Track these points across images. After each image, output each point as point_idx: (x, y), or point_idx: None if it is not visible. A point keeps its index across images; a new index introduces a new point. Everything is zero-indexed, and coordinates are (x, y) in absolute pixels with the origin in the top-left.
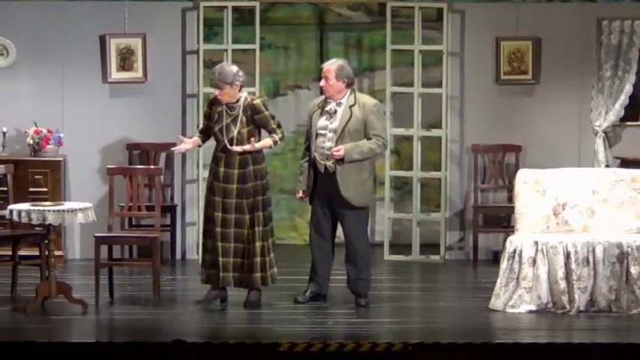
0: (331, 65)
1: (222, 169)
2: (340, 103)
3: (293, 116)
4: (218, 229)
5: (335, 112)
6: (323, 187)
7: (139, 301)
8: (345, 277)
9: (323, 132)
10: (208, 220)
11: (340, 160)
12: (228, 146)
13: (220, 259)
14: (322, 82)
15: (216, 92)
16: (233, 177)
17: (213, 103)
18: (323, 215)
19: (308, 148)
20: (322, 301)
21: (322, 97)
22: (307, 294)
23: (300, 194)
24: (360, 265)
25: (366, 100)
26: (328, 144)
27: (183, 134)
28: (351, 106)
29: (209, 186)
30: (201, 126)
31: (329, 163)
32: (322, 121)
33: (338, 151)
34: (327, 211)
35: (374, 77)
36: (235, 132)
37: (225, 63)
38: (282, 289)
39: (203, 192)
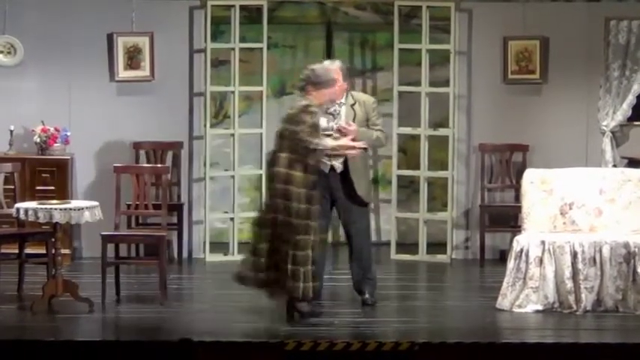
0: (338, 66)
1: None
2: (341, 103)
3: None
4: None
5: (338, 112)
6: (324, 189)
7: (146, 300)
8: (349, 277)
9: (329, 133)
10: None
11: (344, 160)
12: None
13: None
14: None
15: None
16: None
17: None
18: (322, 217)
19: None
20: (318, 300)
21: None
22: None
23: None
24: (366, 263)
25: (365, 97)
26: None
27: (190, 133)
28: (352, 105)
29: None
30: None
31: (337, 163)
32: (325, 123)
33: (350, 125)
34: (326, 212)
35: (380, 77)
36: None
37: None
38: None
39: (209, 191)
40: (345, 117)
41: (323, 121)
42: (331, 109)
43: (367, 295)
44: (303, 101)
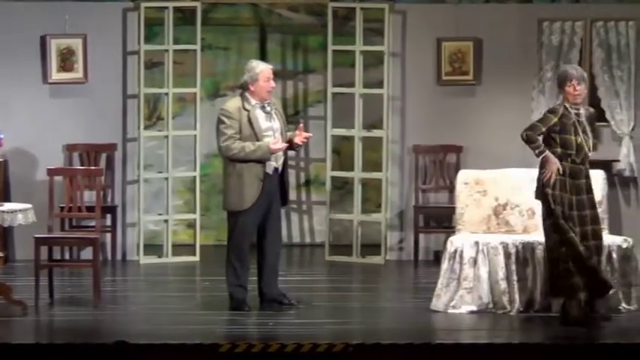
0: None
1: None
2: (269, 103)
3: None
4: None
5: (270, 112)
6: (266, 191)
7: (80, 303)
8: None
9: (269, 133)
10: None
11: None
12: None
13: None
14: (273, 84)
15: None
16: None
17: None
18: (259, 223)
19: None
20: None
21: (239, 99)
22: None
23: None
24: (278, 267)
25: (273, 98)
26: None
27: (124, 135)
28: (275, 106)
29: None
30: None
31: (279, 164)
32: (265, 123)
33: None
34: (262, 216)
35: (312, 79)
36: None
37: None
38: (220, 290)
39: (143, 193)
40: (277, 117)
41: (263, 122)
42: (267, 109)
43: (290, 300)
44: None
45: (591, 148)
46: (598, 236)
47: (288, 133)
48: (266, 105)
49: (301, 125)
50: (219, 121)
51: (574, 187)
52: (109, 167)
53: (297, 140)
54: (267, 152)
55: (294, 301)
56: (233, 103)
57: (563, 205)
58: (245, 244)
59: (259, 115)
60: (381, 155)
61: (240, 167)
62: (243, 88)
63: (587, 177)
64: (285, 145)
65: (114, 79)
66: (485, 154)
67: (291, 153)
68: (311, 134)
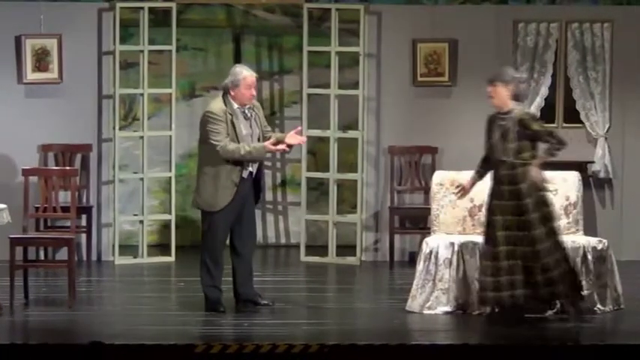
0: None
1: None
2: (250, 108)
3: None
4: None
5: (250, 118)
6: (240, 194)
7: (55, 303)
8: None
9: (249, 140)
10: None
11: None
12: None
13: None
14: (254, 92)
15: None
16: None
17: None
18: (232, 223)
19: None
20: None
21: (222, 102)
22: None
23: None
24: (251, 267)
25: (255, 102)
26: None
27: (99, 136)
28: (256, 111)
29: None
30: None
31: (254, 169)
32: (246, 128)
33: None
34: (235, 217)
35: (287, 79)
36: None
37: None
38: (195, 291)
39: (119, 193)
40: (257, 122)
41: (244, 127)
42: (248, 115)
43: (265, 300)
44: None
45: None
46: (529, 242)
47: (276, 135)
48: (247, 110)
49: (299, 128)
50: (208, 123)
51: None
52: (84, 167)
53: (293, 141)
54: (263, 153)
55: (269, 302)
56: (218, 105)
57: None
58: (217, 244)
59: (241, 120)
60: (356, 156)
61: (217, 170)
62: (225, 91)
63: (514, 183)
64: (283, 146)
65: (89, 80)
66: (460, 155)
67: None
68: (304, 139)
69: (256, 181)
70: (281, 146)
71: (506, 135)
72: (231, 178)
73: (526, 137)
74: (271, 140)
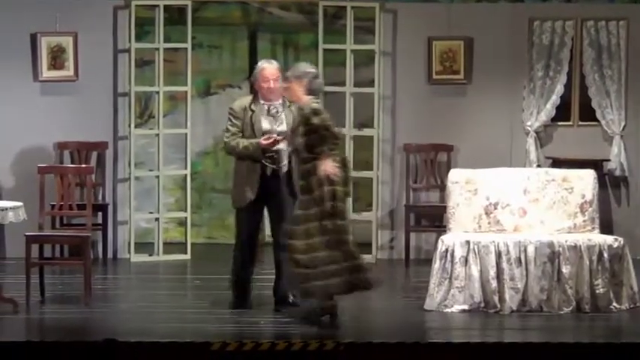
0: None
1: None
2: (280, 104)
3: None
4: None
5: (276, 115)
6: (266, 192)
7: (70, 301)
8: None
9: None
10: None
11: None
12: None
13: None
14: (274, 84)
15: None
16: None
17: None
18: (259, 220)
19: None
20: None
21: (249, 98)
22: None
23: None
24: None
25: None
26: (281, 146)
27: (115, 133)
28: (290, 107)
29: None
30: None
31: (280, 166)
32: (266, 125)
33: None
34: (263, 216)
35: None
36: None
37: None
38: (211, 289)
39: (135, 191)
40: (287, 119)
41: (263, 123)
42: (272, 111)
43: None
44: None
45: None
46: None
47: None
48: (271, 107)
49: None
50: (228, 119)
51: None
52: (99, 165)
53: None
54: (257, 149)
55: (295, 300)
56: (240, 102)
57: None
58: (241, 240)
59: (262, 117)
60: (372, 154)
61: (242, 167)
62: (251, 87)
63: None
64: (274, 139)
65: (105, 77)
66: (475, 153)
67: None
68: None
69: (289, 177)
70: (271, 139)
71: (296, 129)
72: (253, 176)
73: (311, 132)
74: (265, 136)
